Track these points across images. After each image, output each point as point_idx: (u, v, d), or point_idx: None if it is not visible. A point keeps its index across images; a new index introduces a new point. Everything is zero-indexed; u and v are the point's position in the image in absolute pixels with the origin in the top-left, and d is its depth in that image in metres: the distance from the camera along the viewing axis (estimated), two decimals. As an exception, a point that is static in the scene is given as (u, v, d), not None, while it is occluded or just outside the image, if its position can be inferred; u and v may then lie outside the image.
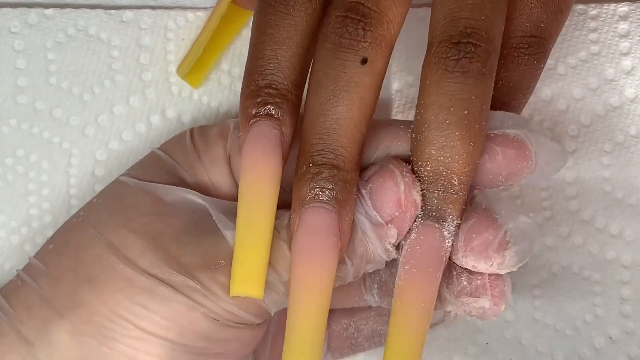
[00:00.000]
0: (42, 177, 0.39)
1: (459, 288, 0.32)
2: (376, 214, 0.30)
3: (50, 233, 0.39)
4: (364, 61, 0.29)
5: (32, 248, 0.39)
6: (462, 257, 0.31)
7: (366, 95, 0.29)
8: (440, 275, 0.30)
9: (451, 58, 0.29)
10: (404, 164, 0.30)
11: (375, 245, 0.31)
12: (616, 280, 0.39)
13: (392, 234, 0.31)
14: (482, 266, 0.31)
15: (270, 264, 0.30)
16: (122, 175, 0.34)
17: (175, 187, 0.32)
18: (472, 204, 0.31)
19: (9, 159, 0.39)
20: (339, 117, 0.29)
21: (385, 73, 0.30)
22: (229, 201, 0.33)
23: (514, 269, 0.31)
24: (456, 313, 0.33)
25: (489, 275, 0.32)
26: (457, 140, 0.29)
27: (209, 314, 0.30)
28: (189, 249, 0.31)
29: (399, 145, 0.31)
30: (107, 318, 0.30)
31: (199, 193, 0.32)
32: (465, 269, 0.32)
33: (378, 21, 0.29)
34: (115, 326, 0.30)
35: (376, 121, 0.31)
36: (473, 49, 0.29)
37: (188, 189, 0.32)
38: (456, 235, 0.31)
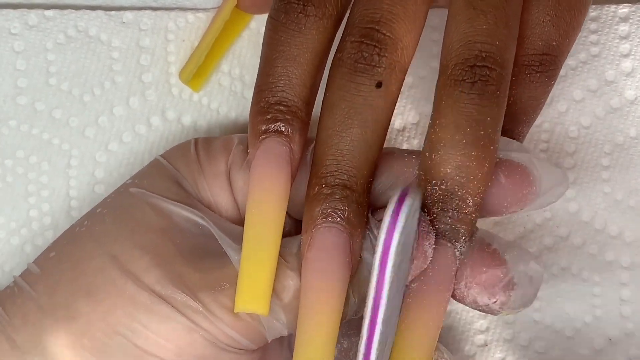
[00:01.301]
0: (42, 179, 0.39)
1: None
2: None
3: (50, 234, 0.39)
4: (379, 85, 0.29)
5: (32, 249, 0.39)
6: (465, 287, 0.31)
7: (380, 118, 0.29)
8: (449, 296, 0.30)
9: (467, 81, 0.29)
10: (422, 211, 0.30)
11: None
12: (615, 281, 0.39)
13: None
14: (483, 301, 0.31)
15: (275, 292, 0.30)
16: (127, 184, 0.34)
17: (181, 205, 0.32)
18: (478, 240, 0.31)
19: (9, 160, 0.39)
20: (353, 139, 0.29)
21: (398, 97, 0.30)
22: (233, 224, 0.33)
23: (513, 313, 0.31)
24: None
25: None
26: (474, 161, 0.29)
27: (208, 336, 0.30)
28: (193, 268, 0.31)
29: (406, 171, 0.31)
30: (104, 333, 0.30)
31: (203, 215, 0.32)
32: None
33: (393, 47, 0.29)
34: (112, 342, 0.30)
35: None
36: (488, 72, 0.29)
37: (194, 210, 0.32)
38: (461, 264, 0.31)
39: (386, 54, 0.29)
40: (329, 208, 0.29)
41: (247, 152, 0.32)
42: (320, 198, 0.29)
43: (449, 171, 0.30)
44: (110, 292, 0.30)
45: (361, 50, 0.29)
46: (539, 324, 0.39)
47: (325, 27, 0.30)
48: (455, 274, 0.30)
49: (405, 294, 0.30)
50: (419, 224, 0.29)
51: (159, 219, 0.32)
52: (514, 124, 0.33)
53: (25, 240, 0.39)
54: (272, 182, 0.30)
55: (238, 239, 0.30)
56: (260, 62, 0.31)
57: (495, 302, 0.31)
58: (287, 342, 0.35)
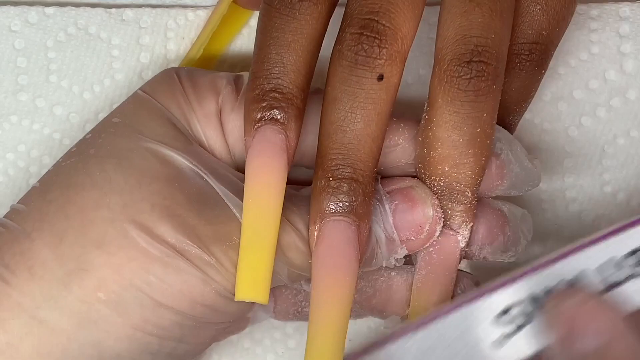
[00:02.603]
0: (43, 172, 0.39)
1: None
2: (394, 231, 0.31)
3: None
4: (380, 78, 0.29)
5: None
6: (478, 250, 0.32)
7: (383, 110, 0.30)
8: (455, 278, 0.32)
9: (463, 77, 0.29)
10: (434, 195, 0.31)
11: (384, 257, 0.32)
12: (617, 280, 0.38)
13: (403, 252, 0.32)
14: (498, 258, 0.33)
15: (283, 252, 0.30)
16: (116, 124, 0.33)
17: (183, 155, 0.32)
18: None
19: (10, 154, 0.39)
20: (357, 134, 0.30)
21: (399, 87, 0.30)
22: (232, 170, 0.33)
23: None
24: None
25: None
26: (471, 157, 0.30)
27: (219, 288, 0.31)
28: (204, 219, 0.31)
29: (400, 143, 0.32)
30: (119, 286, 0.30)
31: (206, 172, 0.32)
32: None
33: (393, 38, 0.29)
34: (128, 295, 0.30)
35: None
36: (484, 68, 0.29)
37: (192, 160, 0.32)
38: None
39: (386, 45, 0.29)
40: (337, 201, 0.30)
41: (237, 93, 0.33)
42: (328, 191, 0.30)
43: (447, 169, 0.30)
44: (123, 245, 0.30)
45: (361, 42, 0.29)
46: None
47: (319, 12, 0.30)
48: (460, 258, 0.32)
49: (415, 280, 0.32)
50: None
51: (162, 167, 0.32)
52: (505, 113, 0.34)
53: (26, 235, 0.39)
54: (269, 172, 0.30)
55: (239, 192, 0.31)
56: (254, 49, 0.31)
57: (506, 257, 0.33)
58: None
